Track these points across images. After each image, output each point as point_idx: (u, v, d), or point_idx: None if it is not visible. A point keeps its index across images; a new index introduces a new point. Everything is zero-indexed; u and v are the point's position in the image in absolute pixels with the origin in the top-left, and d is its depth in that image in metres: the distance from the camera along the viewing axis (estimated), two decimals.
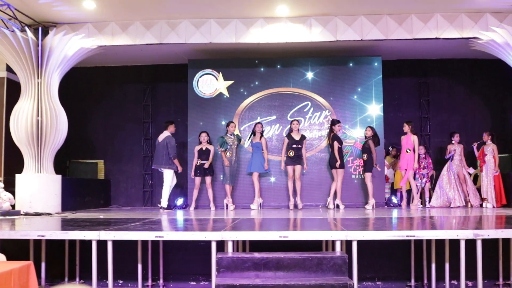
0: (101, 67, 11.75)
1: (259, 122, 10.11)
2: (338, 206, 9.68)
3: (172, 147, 9.71)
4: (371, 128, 9.87)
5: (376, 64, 10.49)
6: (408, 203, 10.04)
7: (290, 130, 10.02)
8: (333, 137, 9.78)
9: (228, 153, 9.83)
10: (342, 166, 9.70)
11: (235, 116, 10.59)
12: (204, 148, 9.98)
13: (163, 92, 11.78)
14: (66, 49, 9.29)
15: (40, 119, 8.98)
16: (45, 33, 9.34)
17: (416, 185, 9.93)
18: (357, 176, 10.35)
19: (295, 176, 9.74)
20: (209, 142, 10.07)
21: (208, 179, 9.97)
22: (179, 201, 10.36)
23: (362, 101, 10.48)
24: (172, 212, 9.31)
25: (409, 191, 10.19)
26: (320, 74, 10.58)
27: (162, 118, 11.40)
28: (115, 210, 10.29)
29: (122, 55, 10.75)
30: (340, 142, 9.79)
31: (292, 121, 10.02)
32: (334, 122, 9.94)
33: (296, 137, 9.86)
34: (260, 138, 9.95)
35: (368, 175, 9.74)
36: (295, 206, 9.79)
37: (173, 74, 11.56)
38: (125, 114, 11.80)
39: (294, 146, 9.78)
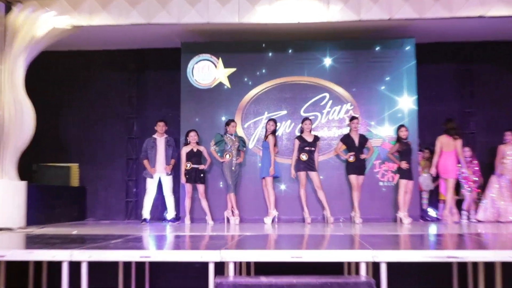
0: (77, 52, 11.71)
1: (271, 119, 10.18)
2: (353, 219, 9.82)
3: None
4: (406, 128, 9.88)
5: (408, 48, 10.47)
6: (458, 215, 9.98)
7: (301, 131, 10.10)
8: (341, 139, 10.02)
9: (227, 155, 9.90)
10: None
11: (237, 111, 10.61)
12: (195, 150, 10.05)
13: (152, 81, 11.82)
14: (34, 29, 9.28)
15: (2, 113, 8.95)
16: (8, 9, 9.32)
17: (463, 194, 10.00)
18: (385, 183, 10.30)
19: (315, 184, 9.81)
20: (199, 143, 10.18)
21: (200, 187, 10.04)
22: (170, 214, 10.38)
23: (391, 92, 10.46)
24: (160, 226, 9.29)
25: (457, 202, 10.23)
26: (340, 60, 10.56)
27: (150, 113, 11.51)
28: (92, 224, 10.30)
29: (102, 37, 10.71)
30: (352, 142, 9.93)
31: (304, 120, 10.08)
32: (350, 119, 10.09)
33: (309, 138, 9.94)
34: (266, 136, 10.04)
35: (404, 184, 9.72)
36: (325, 220, 9.86)
37: (164, 60, 11.59)
38: (105, 108, 11.82)
39: (307, 148, 9.85)
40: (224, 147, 9.94)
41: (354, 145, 9.90)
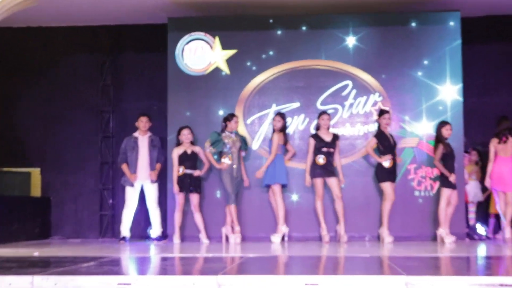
0: (37, 29, 11.71)
1: (278, 113, 10.17)
2: (380, 238, 9.85)
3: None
4: (450, 125, 9.81)
5: (452, 23, 10.43)
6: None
7: (317, 127, 10.08)
8: (374, 135, 9.96)
9: (226, 158, 9.90)
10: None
11: (238, 103, 10.58)
12: (189, 152, 10.06)
13: (131, 66, 11.78)
14: None
15: None
16: None
17: None
18: (422, 193, 10.29)
19: (334, 192, 9.82)
20: (194, 143, 10.18)
21: (194, 198, 10.05)
22: (155, 231, 10.39)
23: (431, 79, 10.41)
24: (143, 245, 9.31)
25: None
26: (367, 39, 10.52)
27: (129, 106, 11.48)
28: (58, 243, 10.28)
29: (68, 10, 10.67)
30: (387, 140, 9.90)
31: (321, 114, 10.05)
32: (380, 113, 10.04)
33: (327, 137, 9.94)
34: (273, 134, 10.06)
35: (447, 194, 9.70)
36: (338, 238, 9.87)
37: (145, 39, 11.56)
38: (73, 99, 11.79)
39: (325, 150, 9.85)
40: (222, 148, 9.94)
41: (390, 144, 9.91)
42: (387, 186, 9.75)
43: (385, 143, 9.85)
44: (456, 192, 9.76)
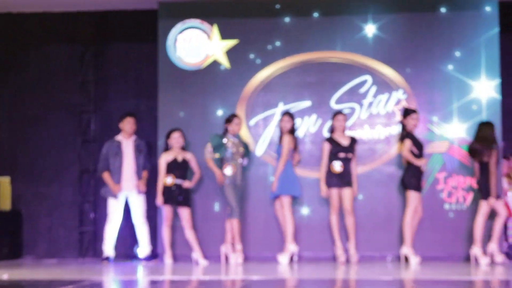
0: (5, 16, 11.65)
1: (286, 113, 10.19)
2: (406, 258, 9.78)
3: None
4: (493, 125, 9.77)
5: (488, 9, 10.43)
6: None
7: (332, 130, 10.10)
8: (406, 137, 9.85)
9: (229, 167, 9.91)
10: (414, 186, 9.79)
11: (240, 101, 10.62)
12: (179, 159, 10.06)
13: (116, 59, 11.74)
14: None
15: None
16: None
17: None
18: (453, 206, 10.30)
19: (344, 205, 9.81)
20: (186, 148, 10.18)
21: (184, 212, 10.05)
22: (143, 249, 10.41)
23: (463, 74, 10.40)
24: (129, 266, 9.29)
25: None
26: (389, 28, 10.53)
27: (113, 105, 11.46)
28: (31, 264, 10.19)
29: None
30: (418, 143, 9.86)
31: (336, 114, 10.10)
32: (406, 112, 9.97)
33: (344, 140, 9.97)
34: (281, 138, 10.06)
35: (487, 206, 9.70)
36: (347, 257, 9.84)
37: (133, 27, 11.55)
38: (48, 98, 11.73)
39: (343, 155, 9.87)
40: (225, 154, 9.95)
41: (422, 148, 9.93)
42: (416, 196, 9.72)
43: (418, 146, 9.83)
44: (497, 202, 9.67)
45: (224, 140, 9.96)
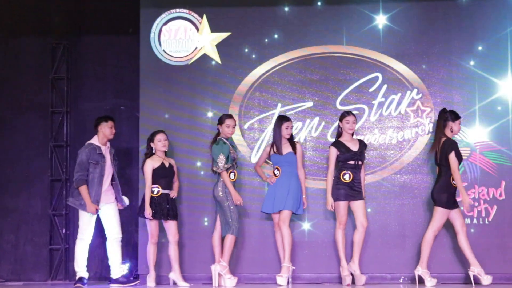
0: None
1: (281, 116, 9.98)
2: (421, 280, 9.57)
3: (77, 163, 9.85)
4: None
5: None
6: None
7: (339, 133, 9.86)
8: (453, 147, 9.53)
9: (232, 174, 9.74)
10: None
11: (233, 102, 10.43)
12: (167, 165, 9.83)
13: (91, 53, 11.62)
14: None
15: None
16: None
17: None
18: (475, 221, 10.05)
19: (359, 220, 9.60)
20: (168, 154, 10.07)
21: (172, 225, 9.78)
22: (117, 269, 10.01)
23: (486, 71, 10.20)
24: None
25: None
26: (401, 19, 10.36)
27: (88, 105, 11.26)
28: None
29: None
30: (458, 154, 9.52)
31: (343, 115, 9.81)
32: (456, 117, 9.62)
33: (353, 145, 9.72)
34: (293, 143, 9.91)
35: None
36: (352, 280, 9.65)
37: (111, 18, 11.46)
38: (14, 96, 11.61)
39: (352, 162, 9.61)
40: (231, 160, 9.76)
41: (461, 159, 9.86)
42: (444, 213, 9.51)
43: (459, 157, 9.61)
44: None
45: (228, 145, 9.84)
